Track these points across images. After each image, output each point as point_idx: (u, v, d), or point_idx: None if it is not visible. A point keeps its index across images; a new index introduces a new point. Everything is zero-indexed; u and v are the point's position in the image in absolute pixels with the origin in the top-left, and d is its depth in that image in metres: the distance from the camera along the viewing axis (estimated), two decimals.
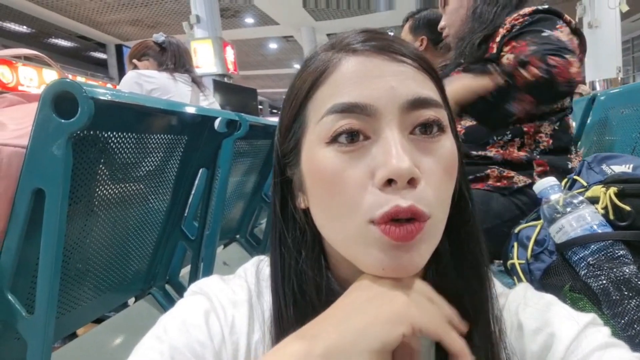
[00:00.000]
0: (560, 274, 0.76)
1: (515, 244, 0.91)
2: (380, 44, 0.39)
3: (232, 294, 0.45)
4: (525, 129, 1.12)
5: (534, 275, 0.82)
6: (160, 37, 2.04)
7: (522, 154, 1.11)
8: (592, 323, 0.41)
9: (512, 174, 1.09)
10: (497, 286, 0.47)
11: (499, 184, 1.09)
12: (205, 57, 5.68)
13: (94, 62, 14.10)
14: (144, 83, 1.80)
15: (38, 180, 0.70)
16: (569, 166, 1.12)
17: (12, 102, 0.92)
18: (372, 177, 0.36)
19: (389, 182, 0.35)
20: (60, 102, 0.69)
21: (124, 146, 0.92)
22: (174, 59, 2.00)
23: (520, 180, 1.07)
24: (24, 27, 11.02)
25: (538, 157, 1.11)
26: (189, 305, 0.44)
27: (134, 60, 2.02)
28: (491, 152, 1.13)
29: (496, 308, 0.44)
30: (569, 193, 0.79)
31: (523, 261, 0.85)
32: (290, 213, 0.44)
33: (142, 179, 1.07)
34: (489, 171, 1.11)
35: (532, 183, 1.00)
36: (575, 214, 0.74)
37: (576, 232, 0.73)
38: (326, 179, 0.38)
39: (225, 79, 6.01)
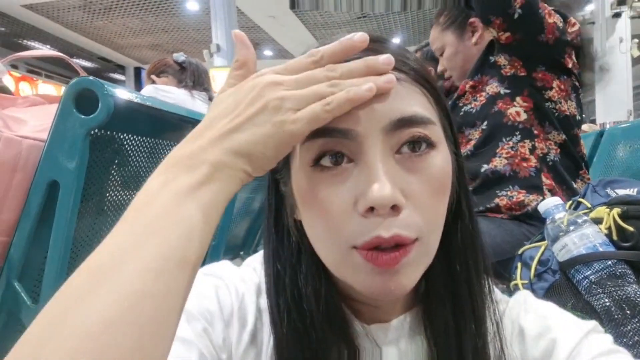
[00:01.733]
0: (562, 292, 0.76)
1: (519, 265, 0.91)
2: (363, 56, 0.36)
3: (241, 275, 0.47)
4: (535, 131, 1.13)
5: (536, 294, 0.81)
6: (180, 56, 2.11)
7: (532, 163, 1.11)
8: (594, 330, 0.41)
9: (522, 196, 1.09)
10: (497, 293, 0.47)
11: (513, 212, 1.09)
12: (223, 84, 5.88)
13: (113, 82, 14.48)
14: (161, 97, 1.85)
15: (54, 172, 0.72)
16: (573, 185, 1.12)
17: (34, 102, 0.95)
18: (355, 204, 0.35)
19: (372, 209, 0.34)
20: (82, 98, 0.72)
21: (138, 150, 0.95)
22: (193, 78, 2.06)
23: (530, 200, 1.08)
24: (48, 46, 11.37)
25: (546, 169, 1.12)
26: (201, 281, 0.44)
27: (153, 76, 2.08)
28: (501, 161, 1.13)
29: (495, 315, 0.44)
30: (574, 213, 0.80)
31: (526, 281, 0.85)
32: (285, 228, 0.44)
33: None
34: (497, 200, 1.11)
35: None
36: (579, 232, 0.74)
37: (579, 250, 0.73)
38: (310, 203, 0.37)
39: None
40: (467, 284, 0.43)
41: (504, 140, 1.13)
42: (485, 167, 1.12)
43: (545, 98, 1.13)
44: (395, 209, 0.34)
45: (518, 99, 1.13)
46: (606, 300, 0.69)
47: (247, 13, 8.57)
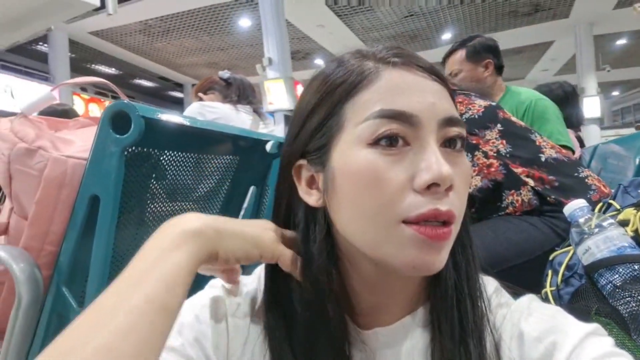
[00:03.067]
0: (587, 297, 0.74)
1: (550, 272, 0.89)
2: (414, 60, 0.43)
3: (244, 282, 0.51)
4: (474, 141, 1.15)
5: (563, 300, 0.79)
6: (225, 73, 2.21)
7: (495, 164, 1.11)
8: (594, 333, 0.41)
9: (516, 196, 1.09)
10: (502, 296, 0.48)
11: (526, 208, 1.08)
12: (277, 95, 6.01)
13: (171, 101, 15.19)
14: (206, 113, 1.95)
15: (95, 187, 0.80)
16: (587, 182, 1.09)
17: (83, 124, 1.05)
18: (411, 181, 0.39)
19: (429, 187, 0.38)
20: (117, 120, 0.78)
21: (174, 164, 1.02)
22: (238, 92, 2.15)
23: (525, 195, 1.07)
24: (113, 69, 12.14)
25: (509, 161, 1.11)
26: (200, 293, 0.49)
27: (200, 94, 2.19)
28: (476, 180, 1.13)
29: (487, 314, 0.45)
30: (600, 215, 0.77)
31: (554, 288, 0.83)
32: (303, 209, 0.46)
33: (193, 195, 1.16)
34: (508, 210, 1.10)
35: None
36: (603, 235, 0.72)
37: (602, 253, 0.71)
38: (365, 179, 0.40)
39: None
40: (467, 281, 0.46)
41: (505, 192, 1.14)
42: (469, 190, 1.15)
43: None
44: (449, 189, 0.39)
45: None
46: (634, 305, 0.67)
47: (296, 24, 8.73)
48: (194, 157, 1.08)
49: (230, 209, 1.30)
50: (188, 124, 0.94)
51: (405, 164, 0.39)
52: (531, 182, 1.07)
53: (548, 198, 1.04)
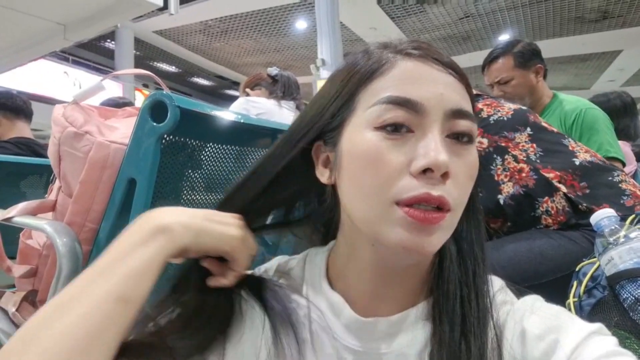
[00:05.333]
0: (608, 309, 0.71)
1: (575, 283, 0.86)
2: (432, 54, 0.44)
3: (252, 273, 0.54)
4: (503, 144, 1.12)
5: (583, 311, 0.77)
6: (274, 70, 2.28)
7: (526, 169, 1.08)
8: (597, 332, 0.41)
9: (550, 203, 1.05)
10: (506, 294, 0.48)
11: (560, 221, 1.04)
12: None
13: (227, 99, 15.65)
14: (250, 108, 2.02)
15: (132, 171, 0.85)
16: (621, 187, 1.05)
17: (130, 114, 1.12)
18: (408, 165, 0.40)
19: (424, 172, 0.39)
20: (156, 109, 0.83)
21: (209, 155, 1.07)
22: (284, 89, 2.21)
23: (558, 203, 1.03)
24: (173, 67, 12.65)
25: (540, 166, 1.07)
26: None
27: (247, 89, 2.26)
28: (508, 186, 1.10)
29: (493, 313, 0.45)
30: (630, 227, 0.75)
31: (577, 299, 0.81)
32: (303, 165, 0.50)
33: (227, 186, 1.21)
34: (543, 222, 1.07)
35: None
36: (627, 246, 0.70)
37: (625, 265, 0.69)
38: (366, 159, 0.42)
39: None
40: (474, 278, 0.46)
41: (491, 168, 1.12)
42: (500, 197, 1.10)
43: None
44: (444, 176, 0.40)
45: None
46: None
47: (350, 27, 8.79)
48: (229, 149, 1.12)
49: None
50: (223, 116, 0.98)
51: (406, 149, 0.41)
52: (563, 189, 1.04)
53: (580, 206, 1.01)
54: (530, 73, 1.81)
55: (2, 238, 1.03)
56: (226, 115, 0.99)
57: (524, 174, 1.09)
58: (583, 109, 1.74)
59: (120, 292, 0.38)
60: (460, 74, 0.45)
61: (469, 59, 9.18)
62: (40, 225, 0.86)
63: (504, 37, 9.13)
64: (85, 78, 8.69)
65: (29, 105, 2.32)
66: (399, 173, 0.40)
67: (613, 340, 0.40)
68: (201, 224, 0.45)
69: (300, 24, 9.02)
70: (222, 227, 0.46)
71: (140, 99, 10.56)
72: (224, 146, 1.10)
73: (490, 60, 1.86)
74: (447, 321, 0.44)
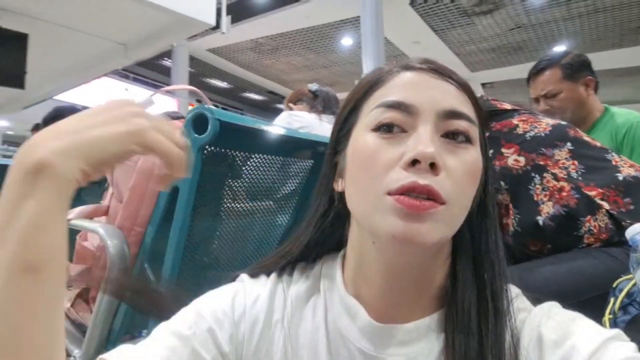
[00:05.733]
0: None
1: (612, 299, 0.84)
2: (433, 66, 0.47)
3: (263, 279, 0.54)
4: (541, 162, 1.09)
5: (618, 328, 0.75)
6: (313, 86, 2.34)
7: (567, 187, 1.04)
8: (615, 337, 0.40)
9: (593, 222, 1.01)
10: (522, 302, 0.48)
11: (602, 238, 1.01)
12: None
13: (278, 113, 16.01)
14: (293, 122, 2.09)
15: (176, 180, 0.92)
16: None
17: (177, 126, 1.20)
18: (400, 159, 0.42)
19: (413, 163, 0.41)
20: (198, 122, 0.90)
21: (249, 165, 1.12)
22: (323, 103, 2.27)
23: (601, 221, 0.99)
24: (225, 83, 13.11)
25: (582, 184, 1.04)
26: (227, 286, 0.53)
27: (290, 104, 2.34)
28: (548, 206, 1.06)
29: (511, 321, 0.44)
30: None
31: (612, 315, 0.78)
32: (331, 192, 0.53)
33: (267, 195, 1.26)
34: (585, 241, 1.04)
35: None
36: None
37: None
38: (363, 157, 0.45)
39: None
40: (491, 284, 0.46)
41: (530, 187, 1.09)
42: (540, 218, 1.06)
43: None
44: (434, 168, 0.41)
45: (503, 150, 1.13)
46: None
47: (394, 42, 8.82)
48: (269, 159, 1.17)
49: (304, 209, 1.38)
50: (261, 128, 1.03)
51: (398, 146, 0.43)
52: (606, 205, 1.00)
53: (623, 223, 0.98)
54: (579, 86, 1.72)
55: None
56: (264, 127, 1.04)
57: (564, 193, 1.05)
58: (635, 123, 1.65)
59: (22, 263, 0.32)
60: (460, 84, 0.47)
61: (521, 71, 8.92)
62: (94, 228, 0.94)
63: (560, 49, 8.84)
64: (144, 94, 9.20)
65: None
66: (391, 166, 0.42)
67: (632, 346, 0.39)
68: (83, 139, 0.35)
69: (346, 41, 9.17)
70: (112, 127, 0.37)
71: None
72: (264, 156, 1.15)
73: (535, 72, 1.78)
74: (462, 332, 0.44)
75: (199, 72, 11.73)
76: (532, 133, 1.14)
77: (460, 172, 0.43)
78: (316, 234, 0.54)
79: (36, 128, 4.85)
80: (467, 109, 0.45)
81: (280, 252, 0.55)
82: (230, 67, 11.43)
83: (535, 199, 1.08)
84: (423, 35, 8.53)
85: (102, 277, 0.93)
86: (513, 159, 1.12)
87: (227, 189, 1.11)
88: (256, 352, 0.48)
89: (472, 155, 0.44)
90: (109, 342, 0.97)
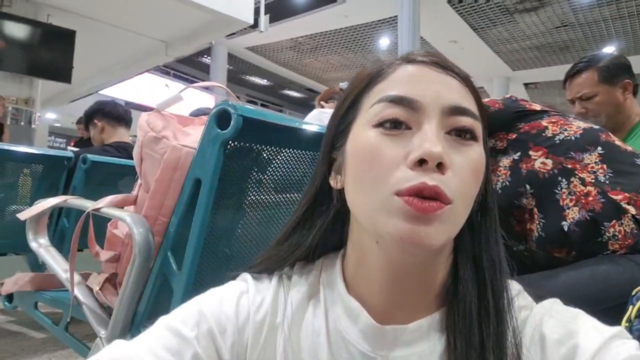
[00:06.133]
0: None
1: (630, 307, 0.81)
2: (435, 59, 0.46)
3: (266, 281, 0.53)
4: (569, 166, 1.07)
5: (633, 335, 0.73)
6: (345, 85, 2.36)
7: (593, 192, 1.01)
8: (618, 335, 0.40)
9: (618, 227, 0.98)
10: (524, 299, 0.48)
11: (628, 244, 0.97)
12: None
13: None
14: (323, 118, 2.11)
15: (198, 172, 0.95)
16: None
17: (204, 122, 1.23)
18: (405, 158, 0.41)
19: (420, 163, 0.40)
20: (222, 117, 0.92)
21: (274, 159, 1.14)
22: None
23: (627, 226, 0.95)
24: (265, 80, 13.29)
25: (608, 188, 1.01)
26: (230, 286, 0.52)
27: (322, 102, 2.36)
28: (573, 211, 1.03)
29: (512, 319, 0.44)
30: None
31: (628, 323, 0.76)
32: (326, 188, 0.51)
33: (291, 188, 1.28)
34: (610, 248, 1.00)
35: None
36: None
37: None
38: (365, 155, 0.43)
39: None
40: (491, 283, 0.46)
41: (556, 192, 1.06)
42: (565, 223, 1.03)
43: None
44: (440, 167, 0.40)
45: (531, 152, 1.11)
46: None
47: (430, 41, 8.72)
48: (293, 153, 1.19)
49: None
50: (283, 123, 1.05)
51: (403, 143, 0.42)
52: (632, 210, 0.97)
53: None
54: (616, 89, 1.66)
55: (94, 228, 1.18)
56: (287, 123, 1.06)
57: (590, 198, 1.02)
58: None
59: None
60: (463, 78, 0.46)
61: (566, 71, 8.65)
62: (122, 216, 0.99)
63: (609, 49, 8.49)
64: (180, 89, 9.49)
65: (129, 113, 2.60)
66: (396, 165, 0.41)
67: (634, 344, 0.39)
68: None
69: (384, 41, 9.17)
70: None
71: None
72: (288, 150, 1.17)
73: (572, 74, 1.74)
74: (463, 331, 0.43)
75: (238, 69, 11.94)
76: (561, 136, 1.11)
77: (465, 170, 0.42)
78: (318, 235, 0.52)
79: (80, 121, 5.11)
80: (470, 104, 0.45)
81: (281, 254, 0.53)
82: (270, 65, 11.59)
83: (561, 203, 1.06)
84: (461, 34, 8.40)
85: (128, 263, 0.97)
86: (540, 162, 1.10)
87: (251, 181, 1.13)
88: (258, 358, 0.48)
89: (476, 153, 0.44)
90: (133, 325, 1.01)
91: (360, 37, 9.25)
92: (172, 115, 1.17)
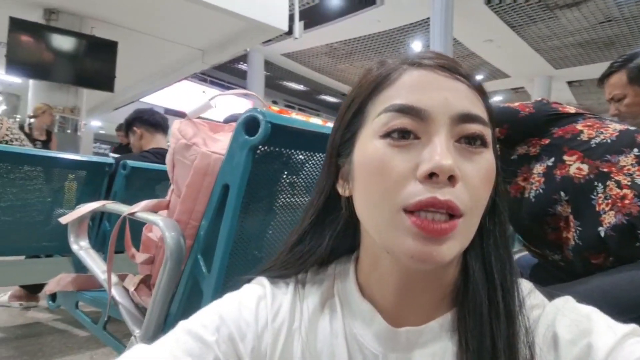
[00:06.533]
0: None
1: None
2: (443, 62, 0.44)
3: (283, 286, 0.53)
4: (605, 169, 1.03)
5: None
6: None
7: (630, 195, 0.96)
8: (632, 333, 0.39)
9: None
10: (535, 298, 0.48)
11: None
12: None
13: None
14: None
15: (227, 177, 0.98)
16: None
17: (234, 128, 1.27)
18: (415, 170, 0.40)
19: (430, 176, 0.39)
20: (250, 124, 0.95)
21: (305, 162, 1.16)
22: None
23: None
24: (301, 86, 13.41)
25: None
26: (248, 290, 0.52)
27: None
28: (609, 216, 0.99)
29: (524, 319, 0.44)
30: None
31: None
32: (335, 195, 0.51)
33: None
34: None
35: None
36: None
37: None
38: (373, 167, 0.42)
39: None
40: (501, 283, 0.46)
41: (592, 197, 1.02)
42: (601, 229, 1.00)
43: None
44: (452, 180, 0.39)
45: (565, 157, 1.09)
46: None
47: (463, 42, 8.58)
48: (322, 157, 1.20)
49: None
50: (310, 129, 1.07)
51: (412, 155, 0.41)
52: None
53: None
54: None
55: (130, 231, 1.23)
56: (314, 128, 1.07)
57: (627, 201, 0.98)
58: None
59: None
60: (471, 82, 0.44)
61: None
62: (155, 220, 1.03)
63: None
64: (220, 97, 9.74)
65: (166, 120, 2.69)
66: (406, 178, 0.40)
67: None
68: None
69: (416, 45, 9.09)
70: None
71: None
72: (318, 154, 1.18)
73: (605, 75, 1.69)
74: (475, 332, 0.43)
75: (274, 75, 12.09)
76: (597, 140, 1.08)
77: (477, 179, 0.42)
78: (331, 242, 0.53)
79: (120, 128, 5.30)
80: (480, 109, 0.44)
81: (295, 260, 0.54)
82: (306, 71, 11.70)
83: (597, 209, 1.02)
84: (497, 33, 8.22)
85: (161, 265, 1.01)
86: (575, 167, 1.07)
87: (282, 184, 1.15)
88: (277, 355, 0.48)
89: (487, 160, 0.43)
90: (166, 325, 1.05)
91: (393, 41, 9.22)
92: (204, 122, 1.21)
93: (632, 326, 0.40)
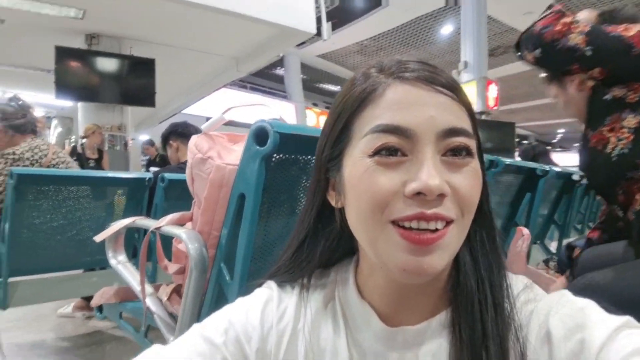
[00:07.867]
0: None
1: None
2: (425, 75, 0.45)
3: (289, 289, 0.56)
4: None
5: None
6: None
7: None
8: (625, 325, 0.39)
9: None
10: (531, 292, 0.48)
11: None
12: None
13: None
14: None
15: (242, 187, 1.01)
16: None
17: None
18: (403, 187, 0.41)
19: (418, 194, 0.41)
20: (260, 134, 0.97)
21: None
22: None
23: None
24: (338, 86, 13.43)
25: None
26: (257, 294, 0.55)
27: None
28: None
29: (513, 314, 0.45)
30: None
31: None
32: (327, 204, 0.53)
33: None
34: None
35: None
36: None
37: None
38: (363, 185, 0.43)
39: (484, 116, 6.28)
40: (490, 284, 0.47)
41: None
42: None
43: None
44: (440, 197, 0.41)
45: None
46: None
47: (499, 18, 8.25)
48: None
49: None
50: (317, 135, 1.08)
51: (400, 172, 0.42)
52: None
53: None
54: None
55: (162, 243, 1.29)
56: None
57: None
58: None
59: None
60: (456, 93, 0.45)
61: None
62: (179, 233, 1.08)
63: None
64: (257, 100, 9.98)
65: (200, 132, 2.77)
66: (393, 193, 0.41)
67: None
68: None
69: (446, 29, 8.90)
70: None
71: (311, 116, 11.44)
72: None
73: None
74: (467, 330, 0.45)
75: (311, 77, 12.17)
76: None
77: (465, 189, 0.43)
78: (329, 249, 0.56)
79: (146, 143, 5.44)
80: (464, 122, 0.45)
81: (298, 265, 0.56)
82: (341, 71, 11.70)
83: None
84: (539, 3, 7.81)
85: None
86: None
87: (301, 188, 1.17)
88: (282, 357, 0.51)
89: (474, 169, 0.44)
90: None
91: (422, 29, 9.05)
92: (222, 134, 1.25)
93: (626, 318, 0.39)
